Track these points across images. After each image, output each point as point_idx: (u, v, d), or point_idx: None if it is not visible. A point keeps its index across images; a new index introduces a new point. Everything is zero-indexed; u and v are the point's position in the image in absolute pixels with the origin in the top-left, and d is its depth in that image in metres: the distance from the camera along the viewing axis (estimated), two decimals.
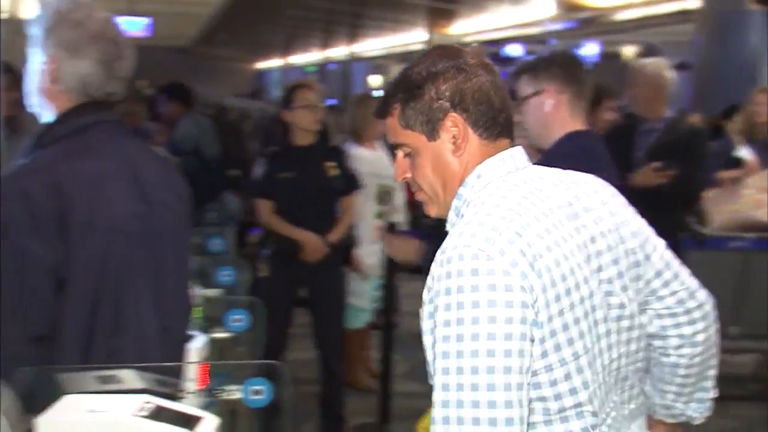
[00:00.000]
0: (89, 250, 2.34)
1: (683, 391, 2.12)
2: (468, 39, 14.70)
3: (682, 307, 2.02)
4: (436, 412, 1.66)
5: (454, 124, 1.85)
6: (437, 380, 1.66)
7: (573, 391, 1.75)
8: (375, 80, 19.43)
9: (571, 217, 1.83)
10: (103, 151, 2.43)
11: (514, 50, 16.11)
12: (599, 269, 1.83)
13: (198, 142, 7.24)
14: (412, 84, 1.86)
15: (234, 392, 2.24)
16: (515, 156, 1.89)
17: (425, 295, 1.76)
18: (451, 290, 1.68)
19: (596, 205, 1.89)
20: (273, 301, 4.25)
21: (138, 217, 2.43)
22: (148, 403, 1.99)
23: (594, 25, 13.64)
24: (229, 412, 2.24)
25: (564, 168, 3.24)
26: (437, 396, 1.66)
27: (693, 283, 2.05)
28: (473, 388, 1.62)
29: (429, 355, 1.75)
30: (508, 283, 1.67)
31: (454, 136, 1.86)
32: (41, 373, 2.29)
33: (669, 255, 2.01)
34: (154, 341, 2.45)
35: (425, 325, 1.75)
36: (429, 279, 1.76)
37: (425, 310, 1.75)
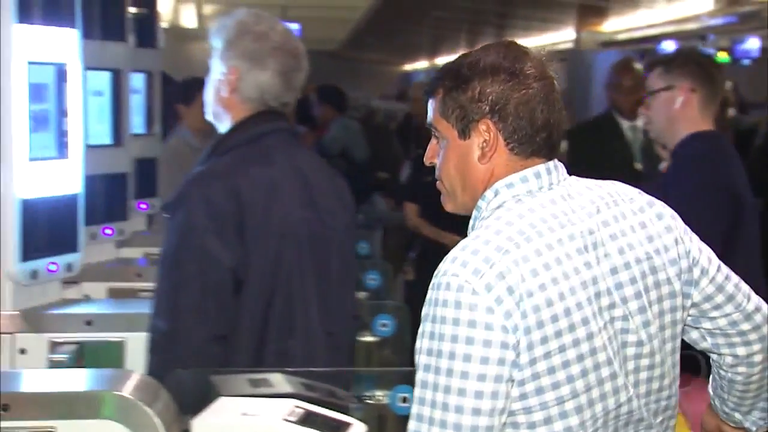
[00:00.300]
0: (264, 254, 2.45)
1: (742, 404, 2.03)
2: (620, 37, 14.40)
3: (734, 329, 1.91)
4: None
5: (487, 130, 1.77)
6: (412, 408, 1.66)
7: None
8: None
9: (585, 249, 1.73)
10: (277, 158, 2.55)
11: (670, 47, 15.70)
12: (611, 306, 1.73)
13: (347, 144, 7.33)
14: (461, 76, 1.79)
15: (381, 398, 2.26)
16: (544, 173, 1.79)
17: (423, 311, 1.72)
18: (436, 318, 1.66)
19: (627, 231, 1.78)
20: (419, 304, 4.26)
21: (307, 223, 2.51)
22: (297, 407, 2.03)
23: (756, 19, 13.14)
24: (376, 419, 2.26)
25: (696, 170, 3.08)
26: (409, 425, 1.67)
27: (751, 304, 1.91)
28: (441, 425, 1.62)
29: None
30: (489, 321, 1.63)
31: (484, 142, 1.78)
32: (196, 375, 2.37)
33: (722, 277, 1.89)
34: (320, 345, 2.52)
35: (417, 343, 1.71)
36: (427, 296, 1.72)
37: (419, 329, 1.71)
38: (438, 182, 1.87)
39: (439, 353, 1.63)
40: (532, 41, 20.79)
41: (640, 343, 1.76)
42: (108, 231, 3.44)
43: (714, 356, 1.98)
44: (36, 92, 2.66)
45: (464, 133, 1.79)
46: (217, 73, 2.59)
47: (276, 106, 2.60)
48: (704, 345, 1.96)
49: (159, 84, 4.06)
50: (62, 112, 2.78)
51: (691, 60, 3.17)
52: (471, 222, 1.82)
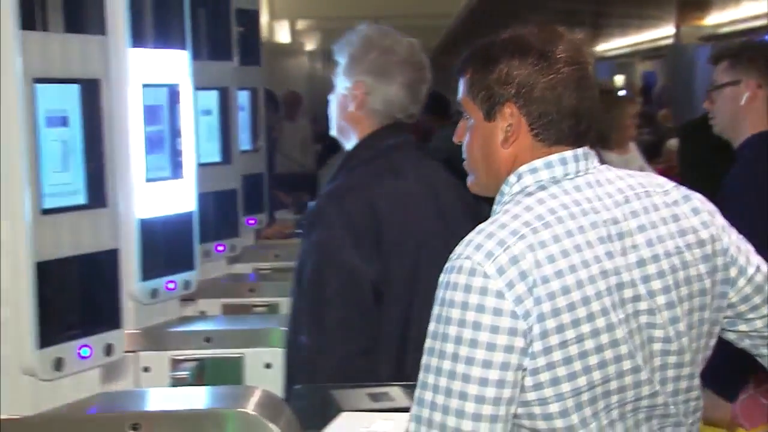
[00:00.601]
0: (401, 265, 2.48)
1: None
2: (723, 30, 14.05)
3: None
4: (409, 424, 1.62)
5: (511, 114, 1.72)
6: (416, 392, 1.62)
7: (570, 429, 1.62)
8: (620, 80, 19.01)
9: (609, 238, 1.67)
10: (408, 171, 2.57)
11: None
12: (636, 298, 1.66)
13: (450, 155, 7.31)
14: (490, 56, 1.73)
15: None
16: (571, 160, 1.72)
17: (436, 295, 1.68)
18: (444, 302, 1.61)
19: (658, 223, 1.72)
20: None
21: (441, 234, 2.50)
22: None
23: None
24: None
25: (758, 173, 2.93)
26: (412, 409, 1.62)
27: None
28: (444, 411, 1.57)
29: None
30: (499, 306, 1.57)
31: (508, 125, 1.72)
32: (317, 389, 2.39)
33: (762, 278, 1.81)
34: None
35: (429, 326, 1.67)
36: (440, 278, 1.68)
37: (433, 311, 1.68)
38: (464, 163, 1.82)
39: (445, 337, 1.59)
40: (630, 40, 20.49)
41: (667, 340, 1.69)
42: (220, 248, 3.48)
43: (754, 351, 1.91)
44: (150, 114, 2.71)
45: (489, 114, 1.73)
46: (342, 88, 2.61)
47: (402, 118, 2.62)
48: (743, 345, 1.89)
49: (262, 100, 4.10)
50: (176, 133, 2.83)
51: (760, 54, 3.04)
52: (493, 207, 1.77)
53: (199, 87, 3.33)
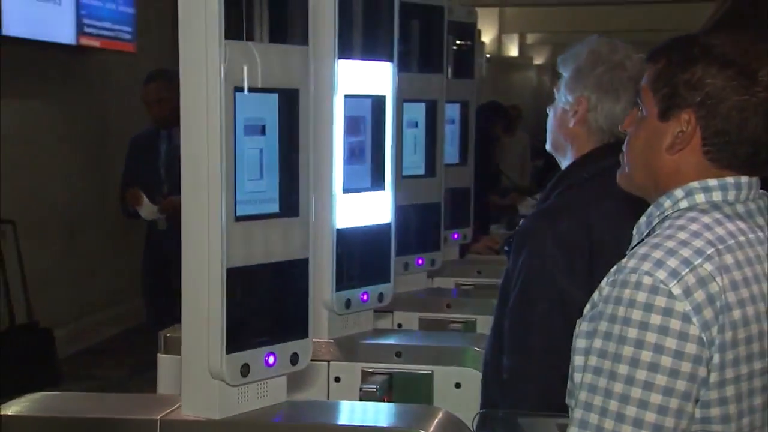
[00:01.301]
0: None
1: None
2: None
3: None
4: None
5: (688, 121, 1.57)
6: (576, 414, 1.50)
7: None
8: None
9: None
10: (623, 194, 2.45)
11: None
12: None
13: None
14: (688, 54, 1.59)
15: None
16: (745, 186, 1.58)
17: (586, 309, 1.56)
18: (616, 319, 1.48)
19: None
20: None
21: None
22: None
23: None
24: None
25: None
26: (571, 429, 1.51)
27: None
28: None
29: (576, 377, 1.55)
30: (685, 330, 1.45)
31: (680, 132, 1.58)
32: (505, 415, 2.31)
33: None
34: None
35: (579, 342, 1.54)
36: (596, 293, 1.54)
37: (582, 327, 1.55)
38: (621, 154, 1.71)
39: (617, 357, 1.47)
40: None
41: None
42: (420, 261, 3.46)
43: None
44: (352, 125, 2.72)
45: (665, 114, 1.61)
46: (563, 102, 2.51)
47: (623, 137, 2.52)
48: None
49: (473, 114, 4.05)
50: (377, 145, 2.82)
51: None
52: (645, 219, 1.65)
53: (407, 99, 3.34)
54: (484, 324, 3.35)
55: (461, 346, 2.82)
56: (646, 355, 1.47)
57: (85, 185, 7.41)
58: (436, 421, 2.09)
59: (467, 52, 4.08)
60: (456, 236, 4.01)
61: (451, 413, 2.17)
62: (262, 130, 2.16)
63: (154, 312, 5.68)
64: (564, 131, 2.51)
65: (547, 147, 2.60)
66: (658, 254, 1.52)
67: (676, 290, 1.48)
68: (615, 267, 1.57)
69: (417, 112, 3.44)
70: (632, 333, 1.48)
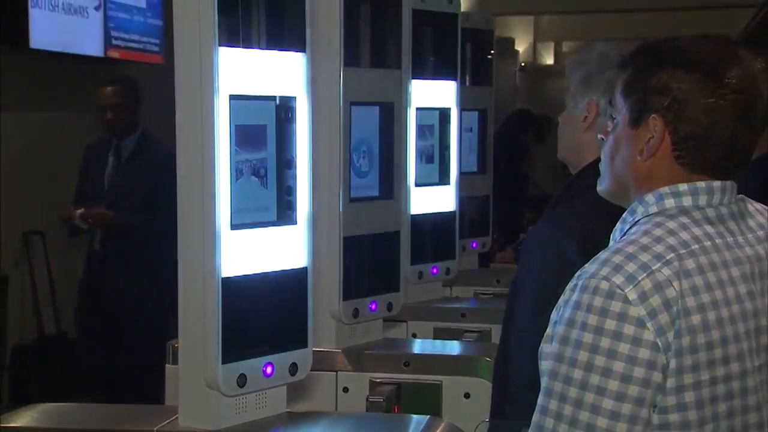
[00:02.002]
0: None
1: None
2: None
3: None
4: None
5: (655, 127, 1.55)
6: (534, 417, 1.49)
7: None
8: None
9: (751, 277, 1.51)
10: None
11: None
12: None
13: None
14: (655, 59, 1.56)
15: None
16: (718, 191, 1.55)
17: (553, 315, 1.54)
18: (574, 323, 1.46)
19: None
20: None
21: None
22: None
23: None
24: None
25: None
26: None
27: None
28: None
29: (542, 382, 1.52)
30: (638, 335, 1.43)
31: (651, 137, 1.55)
32: (512, 428, 2.27)
33: None
34: None
35: (543, 347, 1.52)
36: (561, 297, 1.52)
37: (548, 331, 1.53)
38: (599, 162, 1.69)
39: (572, 362, 1.46)
40: None
41: None
42: (434, 270, 3.42)
43: None
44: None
45: (635, 121, 1.59)
46: (573, 109, 2.46)
47: None
48: None
49: (492, 122, 4.02)
50: (386, 153, 2.81)
51: None
52: (619, 225, 1.63)
53: (420, 107, 3.32)
54: (499, 334, 3.31)
55: (471, 355, 2.79)
56: (599, 360, 1.45)
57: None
58: None
59: (485, 59, 4.05)
60: (474, 245, 3.97)
61: (452, 424, 2.14)
62: (262, 139, 2.14)
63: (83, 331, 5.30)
64: (574, 137, 2.46)
65: (559, 154, 2.54)
66: (617, 259, 1.49)
67: (632, 295, 1.45)
68: (579, 271, 1.54)
69: (431, 119, 3.41)
70: (587, 338, 1.46)
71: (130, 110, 5.13)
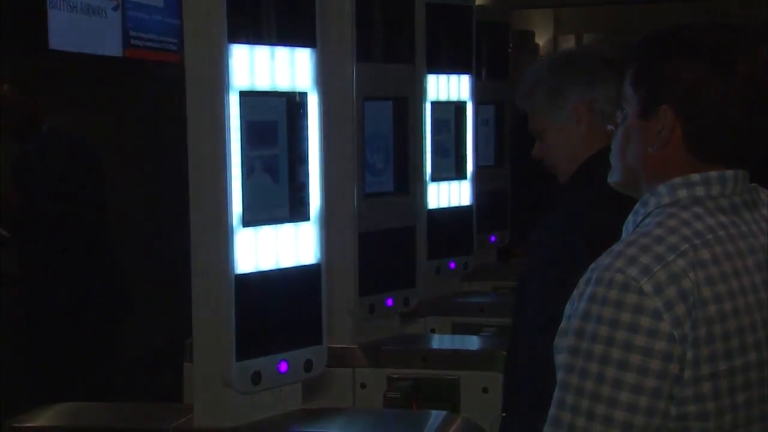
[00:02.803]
0: None
1: None
2: None
3: None
4: None
5: (666, 118, 1.52)
6: (551, 411, 1.46)
7: None
8: None
9: (765, 266, 1.48)
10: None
11: None
12: None
13: None
14: (666, 49, 1.53)
15: None
16: (731, 180, 1.53)
17: (567, 308, 1.51)
18: (589, 316, 1.44)
19: None
20: None
21: None
22: None
23: None
24: None
25: None
26: (546, 428, 1.46)
27: None
28: None
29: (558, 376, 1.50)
30: (654, 327, 1.40)
31: (661, 129, 1.52)
32: (525, 419, 2.25)
33: None
34: None
35: (558, 341, 1.49)
36: (575, 290, 1.49)
37: (562, 325, 1.50)
38: (610, 154, 1.66)
39: (589, 355, 1.43)
40: None
41: None
42: (452, 265, 3.41)
43: None
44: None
45: (645, 112, 1.55)
46: (560, 122, 2.43)
47: None
48: None
49: (509, 115, 3.99)
50: (401, 148, 2.80)
51: None
52: (632, 216, 1.60)
53: (434, 101, 3.30)
54: None
55: (488, 349, 2.77)
56: (615, 353, 1.43)
57: (137, 195, 7.46)
58: (453, 428, 2.05)
59: (501, 52, 4.03)
60: (493, 239, 3.95)
61: (468, 419, 2.13)
62: (273, 137, 2.13)
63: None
64: (571, 142, 2.42)
65: (558, 170, 2.49)
66: (631, 251, 1.47)
67: (647, 287, 1.43)
68: (593, 264, 1.52)
69: (446, 113, 3.39)
70: (603, 331, 1.44)
71: (23, 110, 4.75)
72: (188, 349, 2.73)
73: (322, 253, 2.20)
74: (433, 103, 3.31)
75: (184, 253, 2.13)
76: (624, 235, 1.60)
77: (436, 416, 2.16)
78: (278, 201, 2.13)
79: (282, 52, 2.13)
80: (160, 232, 6.56)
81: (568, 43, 21.60)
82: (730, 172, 1.54)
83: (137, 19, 7.05)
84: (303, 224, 2.16)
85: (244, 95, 2.06)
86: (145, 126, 7.70)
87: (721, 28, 1.55)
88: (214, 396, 2.10)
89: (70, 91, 6.58)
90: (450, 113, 3.40)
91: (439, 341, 2.99)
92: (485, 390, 2.66)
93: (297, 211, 2.16)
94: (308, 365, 2.18)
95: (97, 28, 6.65)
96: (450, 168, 3.40)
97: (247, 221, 2.06)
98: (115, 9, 6.79)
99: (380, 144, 2.75)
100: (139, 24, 7.07)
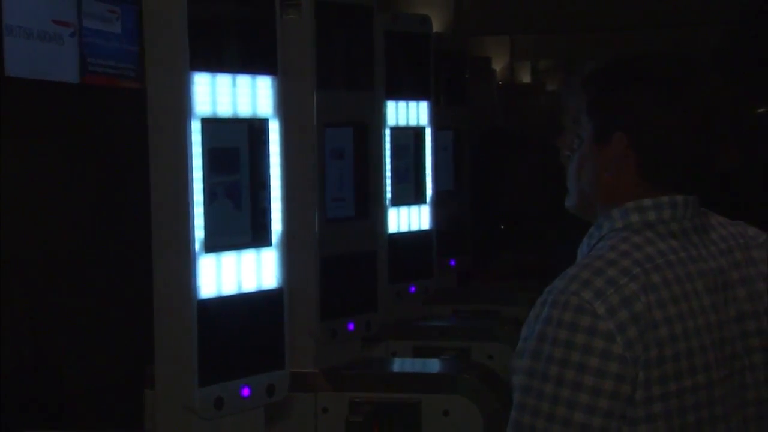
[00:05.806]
0: None
1: None
2: None
3: None
4: None
5: (620, 144, 1.56)
6: (509, 430, 1.50)
7: None
8: None
9: (715, 289, 1.53)
10: None
11: None
12: (734, 357, 1.52)
13: None
14: (616, 76, 1.58)
15: None
16: (681, 205, 1.57)
17: (524, 330, 1.54)
18: (545, 338, 1.47)
19: (756, 278, 1.57)
20: None
21: None
22: None
23: None
24: None
25: None
26: None
27: None
28: None
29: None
30: (608, 349, 1.44)
31: (615, 154, 1.57)
32: None
33: None
34: None
35: (514, 362, 1.53)
36: (531, 313, 1.53)
37: (518, 347, 1.53)
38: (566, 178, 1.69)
39: (545, 377, 1.47)
40: None
41: (758, 401, 1.55)
42: (412, 289, 3.43)
43: None
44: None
45: (599, 138, 1.60)
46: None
47: None
48: None
49: (467, 141, 4.04)
50: (362, 173, 2.82)
51: None
52: (586, 240, 1.64)
53: (393, 126, 3.33)
54: (479, 351, 3.32)
55: (451, 373, 2.79)
56: (570, 374, 1.46)
57: (91, 225, 7.41)
58: None
59: (459, 79, 4.07)
60: (453, 263, 3.98)
61: None
62: (235, 163, 2.15)
63: None
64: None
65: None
66: (585, 274, 1.51)
67: (600, 310, 1.47)
68: (548, 287, 1.55)
69: (406, 139, 3.43)
70: (558, 352, 1.48)
71: None
72: (149, 375, 2.72)
73: (283, 278, 2.21)
74: (392, 129, 3.34)
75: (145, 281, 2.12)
76: (579, 257, 1.64)
77: None
78: (240, 227, 2.15)
79: (243, 79, 2.16)
80: (121, 257, 6.50)
81: (525, 69, 21.79)
82: (680, 198, 1.59)
83: (95, 45, 7.05)
84: (265, 249, 2.18)
85: (205, 122, 2.08)
86: (102, 152, 7.63)
87: (673, 58, 1.59)
88: (176, 422, 2.10)
89: (26, 118, 6.54)
90: (409, 139, 3.44)
91: (401, 365, 3.01)
92: (446, 413, 2.67)
93: (259, 237, 2.18)
94: (271, 390, 2.19)
95: (54, 55, 6.64)
96: (410, 193, 3.43)
97: (210, 247, 2.08)
98: (72, 35, 6.79)
99: (341, 169, 2.77)
100: (96, 50, 7.06)
